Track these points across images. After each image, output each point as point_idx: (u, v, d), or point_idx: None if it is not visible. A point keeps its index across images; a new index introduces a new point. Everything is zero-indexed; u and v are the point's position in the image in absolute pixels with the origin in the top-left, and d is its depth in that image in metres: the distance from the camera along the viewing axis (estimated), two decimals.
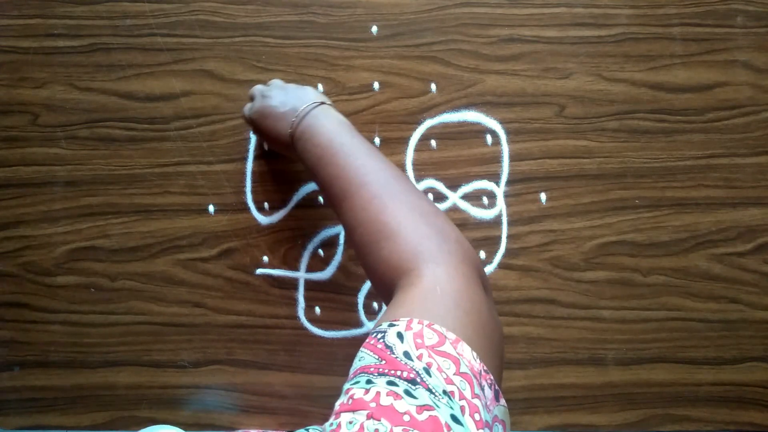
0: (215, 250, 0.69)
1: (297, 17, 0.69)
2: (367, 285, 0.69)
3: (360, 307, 0.69)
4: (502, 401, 0.37)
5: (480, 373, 0.36)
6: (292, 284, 0.69)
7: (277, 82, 0.62)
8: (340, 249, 0.69)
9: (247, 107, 0.62)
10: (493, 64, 0.69)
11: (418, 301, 0.39)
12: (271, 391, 0.69)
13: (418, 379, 0.33)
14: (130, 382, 0.69)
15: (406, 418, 0.31)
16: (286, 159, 0.69)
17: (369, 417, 0.31)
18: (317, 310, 0.69)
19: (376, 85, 0.69)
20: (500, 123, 0.69)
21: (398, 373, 0.34)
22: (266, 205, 0.69)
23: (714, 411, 0.69)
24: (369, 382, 0.34)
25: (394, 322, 0.37)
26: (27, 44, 0.69)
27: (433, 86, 0.69)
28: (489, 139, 0.69)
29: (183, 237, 0.69)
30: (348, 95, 0.69)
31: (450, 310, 0.38)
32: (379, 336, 0.37)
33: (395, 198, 0.47)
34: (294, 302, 0.69)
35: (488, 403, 0.35)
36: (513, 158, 0.69)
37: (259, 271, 0.69)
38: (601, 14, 0.68)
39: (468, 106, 0.69)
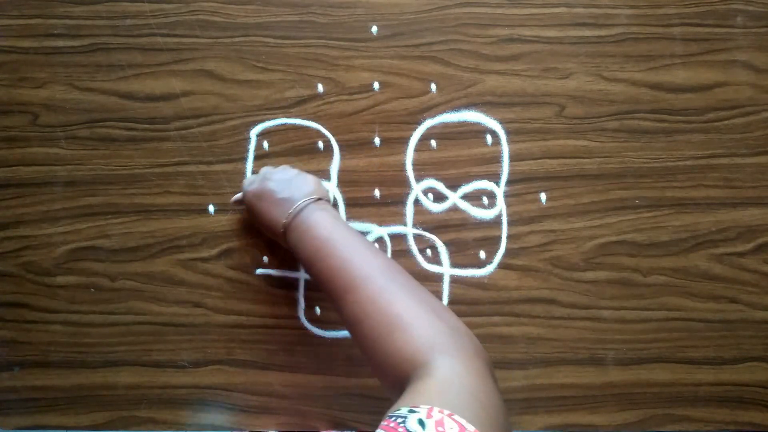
0: (215, 250, 0.69)
1: (297, 17, 0.69)
2: None
3: None
4: None
5: None
6: (292, 284, 0.69)
7: (284, 168, 0.63)
8: None
9: (247, 182, 0.63)
10: (493, 64, 0.69)
11: (435, 390, 0.40)
12: (271, 391, 0.69)
13: None
14: (130, 382, 0.69)
15: None
16: (285, 159, 0.69)
17: None
18: (317, 310, 0.69)
19: (376, 85, 0.69)
20: (500, 123, 0.69)
21: None
22: None
23: (714, 411, 0.69)
24: None
25: (415, 409, 0.38)
26: (27, 44, 0.69)
27: (433, 86, 0.69)
28: (489, 139, 0.69)
29: (183, 237, 0.69)
30: (348, 95, 0.69)
31: (468, 402, 0.39)
32: (400, 420, 0.37)
33: (404, 291, 0.48)
34: (294, 302, 0.69)
35: None
36: (513, 158, 0.69)
37: (259, 271, 0.69)
38: (601, 14, 0.68)
39: (468, 106, 0.69)
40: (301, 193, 0.58)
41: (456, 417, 0.37)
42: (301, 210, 0.57)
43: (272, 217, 0.58)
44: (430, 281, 0.69)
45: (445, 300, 0.69)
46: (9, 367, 0.70)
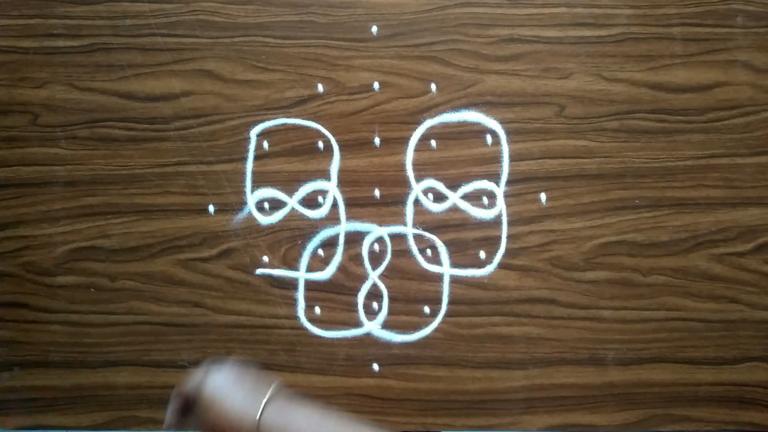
0: (215, 250, 0.69)
1: (297, 17, 0.69)
2: (367, 285, 0.69)
3: (360, 307, 0.69)
4: None
5: None
6: (292, 284, 0.69)
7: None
8: (340, 249, 0.69)
9: (190, 385, 0.53)
10: (493, 64, 0.69)
11: None
12: None
13: None
14: (130, 382, 0.69)
15: None
16: (285, 159, 0.69)
17: None
18: (317, 310, 0.69)
19: (376, 85, 0.69)
20: (500, 123, 0.69)
21: None
22: (266, 205, 0.69)
23: (714, 411, 0.69)
24: None
25: None
26: (27, 44, 0.69)
27: (433, 86, 0.69)
28: (489, 139, 0.69)
29: (183, 237, 0.69)
30: (348, 95, 0.69)
31: None
32: None
33: None
34: (294, 302, 0.69)
35: None
36: (513, 158, 0.69)
37: (259, 271, 0.69)
38: (601, 14, 0.68)
39: (468, 106, 0.69)
40: (260, 387, 0.51)
41: None
42: (269, 404, 0.49)
43: (239, 416, 0.49)
44: (430, 281, 0.69)
45: (445, 300, 0.69)
46: (9, 367, 0.70)
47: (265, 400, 0.49)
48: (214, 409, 0.50)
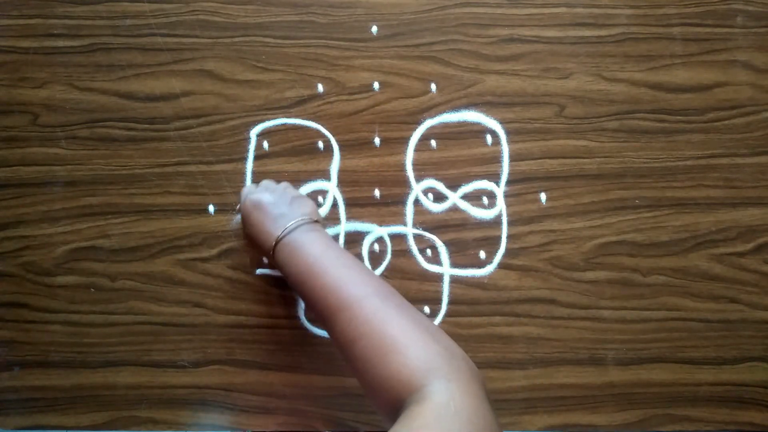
0: (215, 250, 0.69)
1: (297, 17, 0.69)
2: None
3: None
4: None
5: None
6: None
7: (286, 185, 0.64)
8: None
9: (246, 190, 0.63)
10: (493, 64, 0.69)
11: (432, 416, 0.39)
12: (271, 391, 0.69)
13: None
14: (130, 382, 0.69)
15: None
16: (285, 159, 0.69)
17: None
18: None
19: (376, 85, 0.69)
20: (500, 123, 0.69)
21: None
22: None
23: (714, 411, 0.69)
24: None
25: None
26: (27, 44, 0.69)
27: (433, 86, 0.69)
28: (489, 139, 0.69)
29: (183, 237, 0.69)
30: (348, 95, 0.69)
31: (465, 428, 0.39)
32: None
33: (399, 312, 0.47)
34: (294, 302, 0.69)
35: None
36: (513, 158, 0.69)
37: (259, 271, 0.69)
38: (601, 14, 0.68)
39: (468, 106, 0.69)
40: (298, 213, 0.58)
41: None
42: (296, 228, 0.56)
43: (265, 230, 0.58)
44: (430, 281, 0.69)
45: (445, 300, 0.69)
46: (9, 367, 0.70)
47: (288, 227, 0.56)
48: (250, 219, 0.60)
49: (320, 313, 0.51)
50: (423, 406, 0.40)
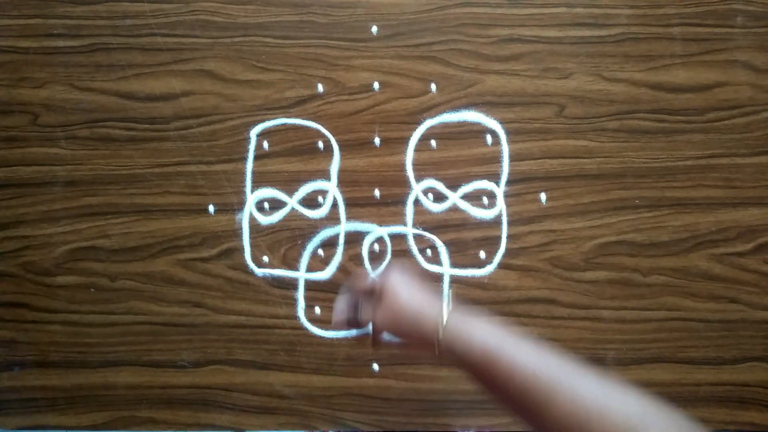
0: (215, 250, 0.69)
1: (297, 17, 0.69)
2: None
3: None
4: None
5: None
6: (292, 284, 0.69)
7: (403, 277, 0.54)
8: (340, 249, 0.69)
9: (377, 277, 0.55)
10: (493, 64, 0.69)
11: None
12: (271, 391, 0.69)
13: None
14: (130, 382, 0.69)
15: None
16: (285, 159, 0.69)
17: None
18: (317, 310, 0.69)
19: (376, 85, 0.69)
20: (500, 123, 0.69)
21: None
22: (266, 205, 0.69)
23: (714, 411, 0.69)
24: None
25: None
26: (27, 44, 0.69)
27: (433, 86, 0.69)
28: (489, 139, 0.69)
29: (183, 237, 0.69)
30: (348, 95, 0.69)
31: None
32: None
33: (620, 386, 0.45)
34: (294, 302, 0.69)
35: None
36: (513, 158, 0.69)
37: (259, 271, 0.69)
38: (601, 14, 0.68)
39: (468, 106, 0.69)
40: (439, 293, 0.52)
41: None
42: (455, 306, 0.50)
43: (425, 309, 0.50)
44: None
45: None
46: (9, 367, 0.70)
47: (447, 306, 0.49)
48: (399, 301, 0.51)
49: (525, 396, 0.46)
50: None
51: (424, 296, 0.51)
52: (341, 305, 0.57)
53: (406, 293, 0.52)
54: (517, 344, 0.47)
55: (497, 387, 0.47)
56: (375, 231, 0.69)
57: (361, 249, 0.69)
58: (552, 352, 0.47)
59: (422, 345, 0.51)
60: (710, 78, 0.69)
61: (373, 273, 0.69)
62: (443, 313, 0.49)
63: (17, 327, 0.70)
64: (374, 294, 0.53)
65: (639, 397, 0.45)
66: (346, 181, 0.69)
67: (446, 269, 0.69)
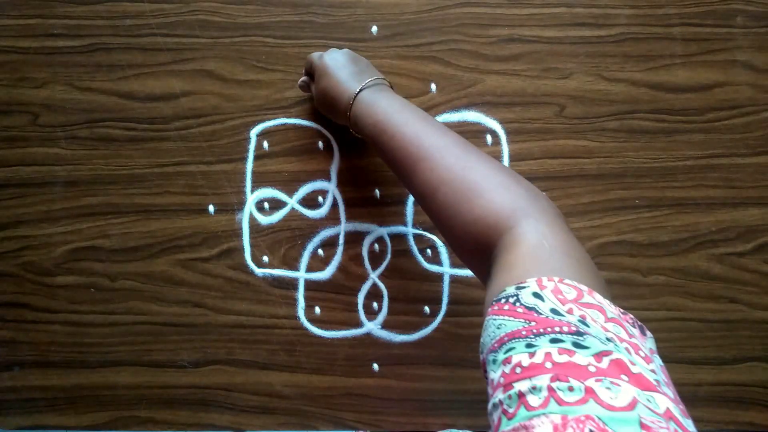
0: (215, 250, 0.69)
1: (297, 17, 0.69)
2: (367, 285, 0.69)
3: (360, 307, 0.69)
4: (649, 333, 0.37)
5: (620, 316, 0.35)
6: (292, 284, 0.69)
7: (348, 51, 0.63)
8: (340, 249, 0.69)
9: (316, 54, 0.63)
10: (493, 64, 0.69)
11: (530, 259, 0.39)
12: (271, 391, 0.69)
13: (582, 330, 0.33)
14: (130, 382, 0.69)
15: (591, 369, 0.30)
16: (285, 159, 0.69)
17: (554, 379, 0.30)
18: (317, 310, 0.69)
19: None
20: (500, 123, 0.69)
21: (557, 329, 0.33)
22: (266, 205, 0.69)
23: (714, 411, 0.69)
24: (529, 345, 0.33)
25: (522, 285, 0.37)
26: (27, 44, 0.69)
27: (433, 86, 0.69)
28: (489, 139, 0.69)
29: (183, 237, 0.69)
30: None
31: (566, 263, 0.38)
32: (512, 300, 0.36)
33: (479, 159, 0.47)
34: (294, 302, 0.69)
35: (640, 340, 0.35)
36: (513, 158, 0.69)
37: (259, 271, 0.69)
38: (601, 14, 0.68)
39: (468, 106, 0.69)
40: (375, 73, 0.59)
41: (566, 281, 0.36)
42: (374, 84, 0.57)
43: (343, 84, 0.58)
44: (430, 281, 0.69)
45: (445, 300, 0.69)
46: (9, 367, 0.70)
47: (366, 82, 0.57)
48: (325, 77, 0.60)
49: (400, 163, 0.51)
50: (517, 249, 0.40)
51: (350, 75, 0.58)
52: (304, 77, 0.66)
53: (334, 69, 0.59)
54: (406, 117, 0.53)
55: (386, 155, 0.53)
56: (375, 231, 0.69)
57: (361, 249, 0.69)
58: (438, 126, 0.52)
59: (338, 118, 0.61)
60: (710, 78, 0.69)
61: (373, 272, 0.69)
62: (362, 83, 0.57)
63: (17, 327, 0.70)
64: (316, 70, 0.62)
65: (498, 166, 0.47)
66: (346, 181, 0.69)
67: (446, 269, 0.69)
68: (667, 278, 0.69)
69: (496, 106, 0.69)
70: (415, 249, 0.69)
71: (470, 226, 0.44)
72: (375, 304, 0.69)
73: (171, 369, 0.69)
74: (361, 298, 0.69)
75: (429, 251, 0.69)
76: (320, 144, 0.69)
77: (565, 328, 0.33)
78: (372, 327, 0.69)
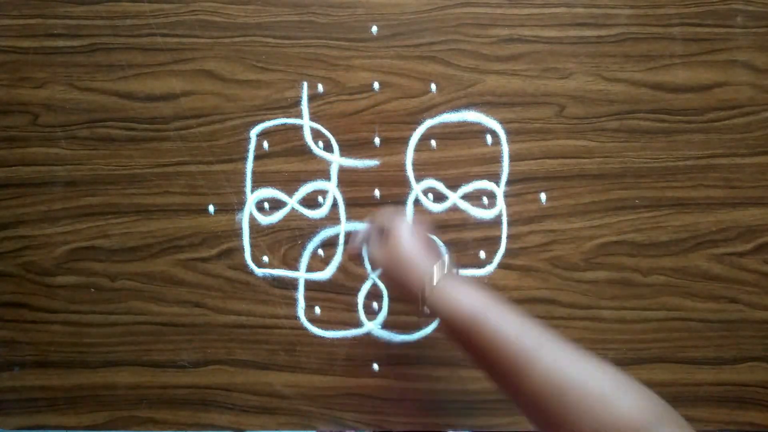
0: (215, 250, 0.69)
1: (297, 17, 0.69)
2: (367, 285, 0.69)
3: (360, 307, 0.69)
4: None
5: None
6: (292, 284, 0.69)
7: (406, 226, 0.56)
8: (340, 249, 0.69)
9: (368, 245, 0.58)
10: (493, 64, 0.69)
11: None
12: (271, 391, 0.69)
13: None
14: (130, 382, 0.69)
15: None
16: (285, 159, 0.69)
17: None
18: (317, 310, 0.69)
19: (376, 85, 0.69)
20: (500, 123, 0.69)
21: None
22: (266, 205, 0.69)
23: (714, 411, 0.69)
24: None
25: None
26: (27, 44, 0.69)
27: (433, 86, 0.69)
28: (489, 139, 0.69)
29: (183, 237, 0.69)
30: (348, 95, 0.69)
31: None
32: None
33: (598, 360, 0.47)
34: (294, 302, 0.69)
35: None
36: (513, 158, 0.69)
37: (259, 271, 0.69)
38: (601, 14, 0.68)
39: (468, 106, 0.69)
40: (440, 254, 0.54)
41: None
42: (449, 268, 0.52)
43: (421, 264, 0.52)
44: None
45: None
46: (9, 367, 0.70)
47: (441, 266, 0.51)
48: (398, 250, 0.53)
49: (503, 362, 0.46)
50: None
51: (424, 251, 0.53)
52: (359, 237, 0.62)
53: (408, 242, 0.53)
54: (501, 312, 0.48)
55: (478, 353, 0.48)
56: None
57: (361, 249, 0.69)
58: (534, 322, 0.47)
59: (408, 297, 0.53)
60: (710, 78, 0.69)
61: (373, 272, 0.69)
62: (435, 271, 0.51)
63: (17, 327, 0.70)
64: (383, 234, 0.56)
65: (614, 370, 0.46)
66: (346, 181, 0.69)
67: None
68: (667, 278, 0.69)
69: (496, 106, 0.69)
70: None
71: (607, 428, 0.43)
72: (375, 304, 0.69)
73: (171, 369, 0.69)
74: (361, 298, 0.69)
75: None
76: (320, 144, 0.69)
77: None
78: (372, 327, 0.69)
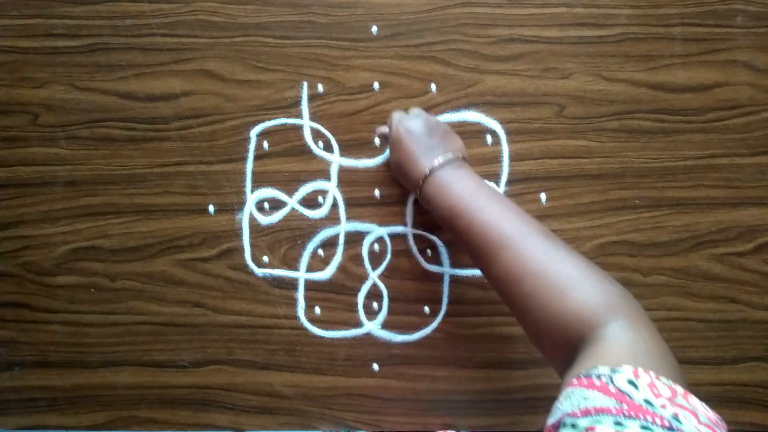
0: (215, 250, 0.69)
1: (297, 17, 0.69)
2: (368, 285, 0.69)
3: (360, 307, 0.69)
4: None
5: (717, 423, 0.35)
6: (292, 284, 0.69)
7: (434, 118, 0.61)
8: (340, 249, 0.69)
9: (397, 116, 0.60)
10: (493, 64, 0.69)
11: (625, 351, 0.39)
12: (271, 391, 0.69)
13: (675, 426, 0.32)
14: (130, 382, 0.69)
15: None
16: (285, 159, 0.69)
17: None
18: (317, 310, 0.69)
19: (376, 85, 0.69)
20: (500, 123, 0.69)
21: (648, 418, 0.33)
22: (266, 205, 0.69)
23: (714, 411, 0.69)
24: (618, 423, 0.33)
25: (617, 368, 0.37)
26: (27, 44, 0.69)
27: (433, 86, 0.69)
28: (489, 139, 0.69)
29: (183, 237, 0.69)
30: (348, 95, 0.69)
31: (660, 363, 0.38)
32: (605, 378, 0.36)
33: (567, 251, 0.47)
34: (294, 302, 0.69)
35: None
36: (513, 158, 0.69)
37: (259, 271, 0.69)
38: (601, 14, 0.68)
39: (468, 106, 0.69)
40: (449, 147, 0.56)
41: (662, 379, 0.36)
42: (447, 163, 0.55)
43: (415, 160, 0.56)
44: (430, 281, 0.69)
45: (445, 300, 0.69)
46: (9, 367, 0.70)
47: (437, 164, 0.55)
48: (398, 149, 0.58)
49: (477, 249, 0.49)
50: (612, 342, 0.40)
51: (428, 144, 0.57)
52: (384, 127, 0.66)
53: (412, 137, 0.57)
54: (486, 201, 0.51)
55: (461, 238, 0.52)
56: (375, 231, 0.69)
57: (361, 249, 0.69)
58: (519, 213, 0.50)
59: (413, 191, 0.58)
60: (710, 78, 0.69)
61: (373, 272, 0.69)
62: (435, 162, 0.55)
63: (17, 327, 0.70)
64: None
65: (578, 261, 0.46)
66: (346, 181, 0.69)
67: (446, 269, 0.69)
68: (667, 278, 0.69)
69: (496, 106, 0.69)
70: (414, 249, 0.69)
71: (559, 319, 0.43)
72: (375, 304, 0.69)
73: (171, 369, 0.69)
74: (361, 298, 0.69)
75: (429, 251, 0.69)
76: (320, 144, 0.69)
77: (658, 421, 0.33)
78: (372, 327, 0.69)
